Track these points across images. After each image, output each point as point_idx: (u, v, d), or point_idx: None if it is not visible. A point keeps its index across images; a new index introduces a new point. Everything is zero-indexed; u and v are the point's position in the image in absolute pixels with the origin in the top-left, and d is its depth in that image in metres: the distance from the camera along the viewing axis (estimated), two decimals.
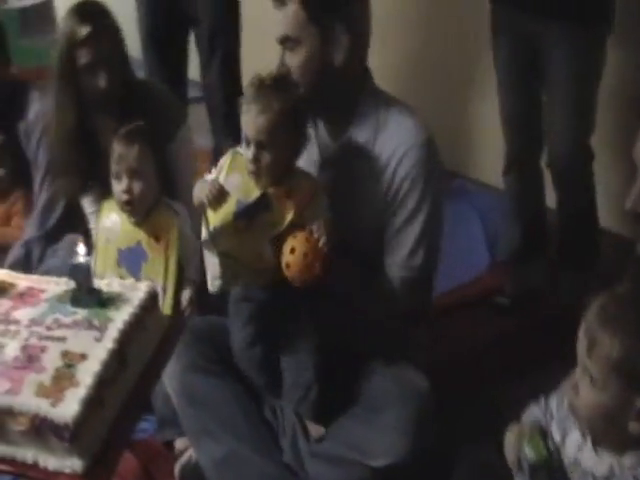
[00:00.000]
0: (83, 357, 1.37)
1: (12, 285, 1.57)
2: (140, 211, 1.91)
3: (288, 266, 1.58)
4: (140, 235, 1.91)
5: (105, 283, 1.52)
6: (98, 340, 1.40)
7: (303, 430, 1.68)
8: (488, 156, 2.75)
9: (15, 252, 2.26)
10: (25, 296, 1.53)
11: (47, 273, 2.03)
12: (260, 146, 1.61)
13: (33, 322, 1.46)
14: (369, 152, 1.69)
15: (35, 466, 1.30)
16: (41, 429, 1.27)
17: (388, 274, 1.69)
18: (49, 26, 4.50)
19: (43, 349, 1.39)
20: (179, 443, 1.90)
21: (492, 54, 2.43)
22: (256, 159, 1.61)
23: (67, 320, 1.45)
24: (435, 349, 1.88)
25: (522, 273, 2.54)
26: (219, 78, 2.79)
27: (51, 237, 2.30)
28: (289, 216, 1.62)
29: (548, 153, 2.42)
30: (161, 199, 1.94)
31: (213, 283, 1.71)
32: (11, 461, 1.31)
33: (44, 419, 1.27)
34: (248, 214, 1.64)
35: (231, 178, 1.68)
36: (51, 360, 1.37)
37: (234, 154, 1.71)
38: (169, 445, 1.94)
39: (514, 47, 2.32)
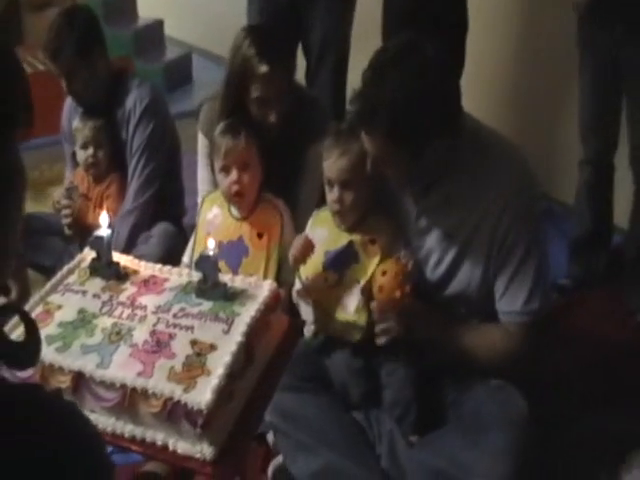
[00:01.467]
0: (212, 347, 1.40)
1: (135, 272, 1.61)
2: (248, 204, 1.92)
3: (381, 289, 1.67)
4: (243, 230, 1.92)
5: (228, 278, 1.55)
6: (226, 332, 1.43)
7: (403, 435, 1.71)
8: (574, 178, 2.82)
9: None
10: (149, 284, 1.58)
11: (138, 259, 2.09)
12: (343, 186, 1.73)
13: (159, 309, 1.50)
14: (466, 203, 1.67)
15: (164, 449, 1.33)
16: (173, 413, 1.31)
17: (504, 322, 1.70)
18: (131, 16, 4.62)
19: (172, 336, 1.44)
20: (271, 437, 1.91)
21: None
22: (340, 199, 1.74)
23: (193, 310, 1.49)
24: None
25: (585, 258, 2.77)
26: (326, 88, 2.85)
27: (142, 215, 2.33)
28: (375, 261, 1.73)
29: (630, 153, 2.60)
30: (264, 195, 1.95)
31: (308, 328, 1.80)
32: (141, 442, 1.35)
33: (177, 403, 1.31)
34: (336, 264, 1.76)
35: (317, 232, 1.80)
36: (181, 347, 1.41)
37: (316, 213, 1.85)
38: (261, 437, 1.94)
39: (599, 59, 2.53)
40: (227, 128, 1.93)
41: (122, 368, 1.37)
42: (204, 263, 1.50)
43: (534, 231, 1.68)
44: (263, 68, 1.96)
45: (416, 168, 1.62)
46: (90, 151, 2.38)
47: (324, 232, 1.79)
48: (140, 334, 1.44)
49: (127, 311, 1.50)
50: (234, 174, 1.89)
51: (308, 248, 1.72)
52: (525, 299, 1.67)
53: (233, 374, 1.36)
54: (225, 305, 1.49)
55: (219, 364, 1.36)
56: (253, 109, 2.02)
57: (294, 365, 1.76)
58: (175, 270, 1.61)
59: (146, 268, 1.63)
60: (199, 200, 2.12)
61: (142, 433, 1.35)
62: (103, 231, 1.58)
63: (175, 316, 1.48)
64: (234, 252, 1.92)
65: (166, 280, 1.59)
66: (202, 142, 2.19)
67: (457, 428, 1.67)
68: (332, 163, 1.73)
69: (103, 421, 1.37)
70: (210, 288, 1.51)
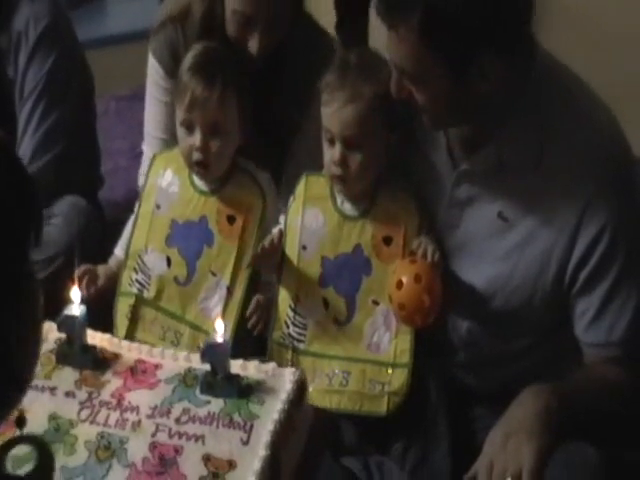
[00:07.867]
0: (231, 465, 1.13)
1: (116, 356, 1.30)
2: (214, 176, 1.45)
3: (402, 307, 1.28)
4: (208, 208, 1.44)
5: (238, 365, 1.26)
6: (245, 443, 1.16)
7: None
8: None
9: None
10: (137, 373, 1.27)
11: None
12: (348, 144, 1.31)
13: (156, 411, 1.20)
14: (532, 176, 1.24)
15: None
16: None
17: (595, 357, 1.29)
18: None
19: (178, 450, 1.15)
20: None
21: None
22: (343, 161, 1.31)
23: (200, 412, 1.20)
24: None
25: None
26: None
27: (39, 185, 1.75)
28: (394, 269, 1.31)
29: None
30: (242, 162, 1.47)
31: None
32: None
33: None
34: (339, 279, 1.34)
35: (308, 218, 1.38)
36: (192, 466, 1.12)
37: (307, 179, 1.41)
38: None
39: None
40: (199, 66, 1.42)
41: None
42: (212, 352, 1.21)
43: (635, 236, 1.25)
44: None
45: (459, 101, 1.20)
46: None
47: (318, 219, 1.38)
48: (137, 448, 1.15)
49: (114, 415, 1.20)
50: (198, 137, 1.40)
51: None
52: (627, 325, 1.24)
53: None
54: (240, 404, 1.21)
55: None
56: (230, 31, 1.52)
57: None
58: (168, 352, 1.30)
59: (130, 350, 1.31)
60: (145, 154, 1.62)
61: None
62: (75, 309, 1.26)
63: (178, 421, 1.18)
64: (193, 238, 1.43)
65: (158, 367, 1.28)
66: (155, 70, 1.63)
67: None
68: (334, 112, 1.30)
69: None
70: (220, 382, 1.22)
